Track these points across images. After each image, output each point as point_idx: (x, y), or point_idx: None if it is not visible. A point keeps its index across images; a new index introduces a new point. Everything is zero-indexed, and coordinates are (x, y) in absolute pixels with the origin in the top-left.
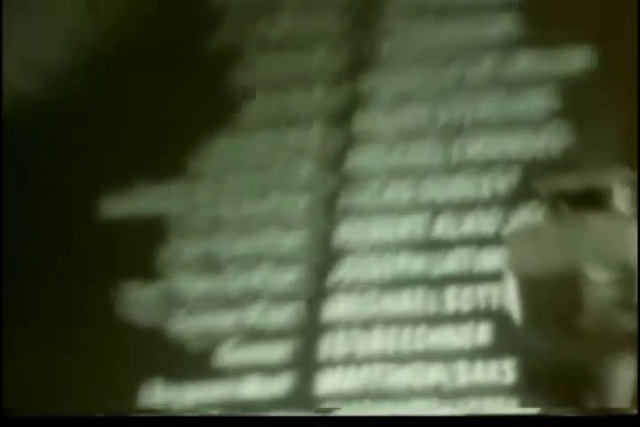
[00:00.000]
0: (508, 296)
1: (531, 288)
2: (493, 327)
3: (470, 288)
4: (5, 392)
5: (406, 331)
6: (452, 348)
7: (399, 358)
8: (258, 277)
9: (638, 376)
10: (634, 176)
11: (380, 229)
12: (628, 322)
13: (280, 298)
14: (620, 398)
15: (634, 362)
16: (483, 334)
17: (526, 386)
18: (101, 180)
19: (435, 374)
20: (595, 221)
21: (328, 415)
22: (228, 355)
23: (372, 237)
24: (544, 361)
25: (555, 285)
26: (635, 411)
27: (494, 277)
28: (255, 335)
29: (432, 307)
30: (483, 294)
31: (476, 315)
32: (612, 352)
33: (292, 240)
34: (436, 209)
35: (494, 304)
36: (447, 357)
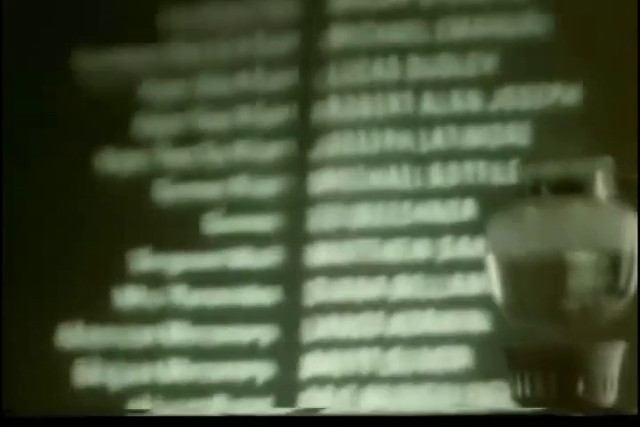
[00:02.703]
0: (492, 281)
1: (514, 273)
2: (478, 203)
3: (455, 164)
4: (5, 392)
5: (392, 206)
6: (438, 223)
7: (386, 233)
8: (240, 150)
9: (638, 376)
10: (613, 163)
11: (367, 106)
12: (612, 306)
13: (265, 170)
14: (606, 381)
15: (620, 347)
16: (468, 209)
17: (513, 370)
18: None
19: (421, 249)
20: (577, 207)
21: (315, 415)
22: (217, 225)
23: (358, 113)
24: (530, 345)
25: (539, 269)
26: (635, 411)
27: (479, 153)
28: (243, 206)
29: (418, 183)
30: (468, 170)
31: (462, 191)
32: (599, 336)
33: (277, 115)
34: (421, 86)
35: (480, 180)
36: (433, 232)
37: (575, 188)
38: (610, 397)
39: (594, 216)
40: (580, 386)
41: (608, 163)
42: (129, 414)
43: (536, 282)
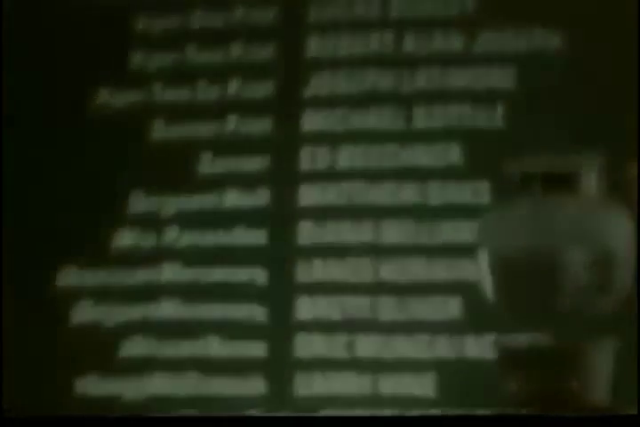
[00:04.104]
0: (484, 277)
1: (506, 269)
2: (465, 148)
3: (440, 107)
4: (5, 392)
5: (377, 149)
6: (425, 167)
7: (373, 176)
8: (232, 89)
9: (638, 376)
10: (602, 161)
11: (350, 44)
12: (605, 304)
13: (254, 112)
14: (600, 379)
15: (613, 345)
16: (454, 154)
17: (507, 369)
18: None
19: (408, 194)
20: (568, 204)
21: (311, 416)
22: (208, 165)
23: (341, 52)
24: (523, 343)
25: (530, 266)
26: (635, 411)
27: (464, 95)
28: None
29: (402, 125)
30: (454, 113)
31: (447, 134)
32: (591, 334)
33: (264, 53)
34: (403, 26)
35: (465, 124)
36: (420, 176)
37: (566, 184)
38: (604, 394)
39: (585, 213)
40: (574, 384)
41: (596, 159)
42: (128, 414)
43: (528, 279)
